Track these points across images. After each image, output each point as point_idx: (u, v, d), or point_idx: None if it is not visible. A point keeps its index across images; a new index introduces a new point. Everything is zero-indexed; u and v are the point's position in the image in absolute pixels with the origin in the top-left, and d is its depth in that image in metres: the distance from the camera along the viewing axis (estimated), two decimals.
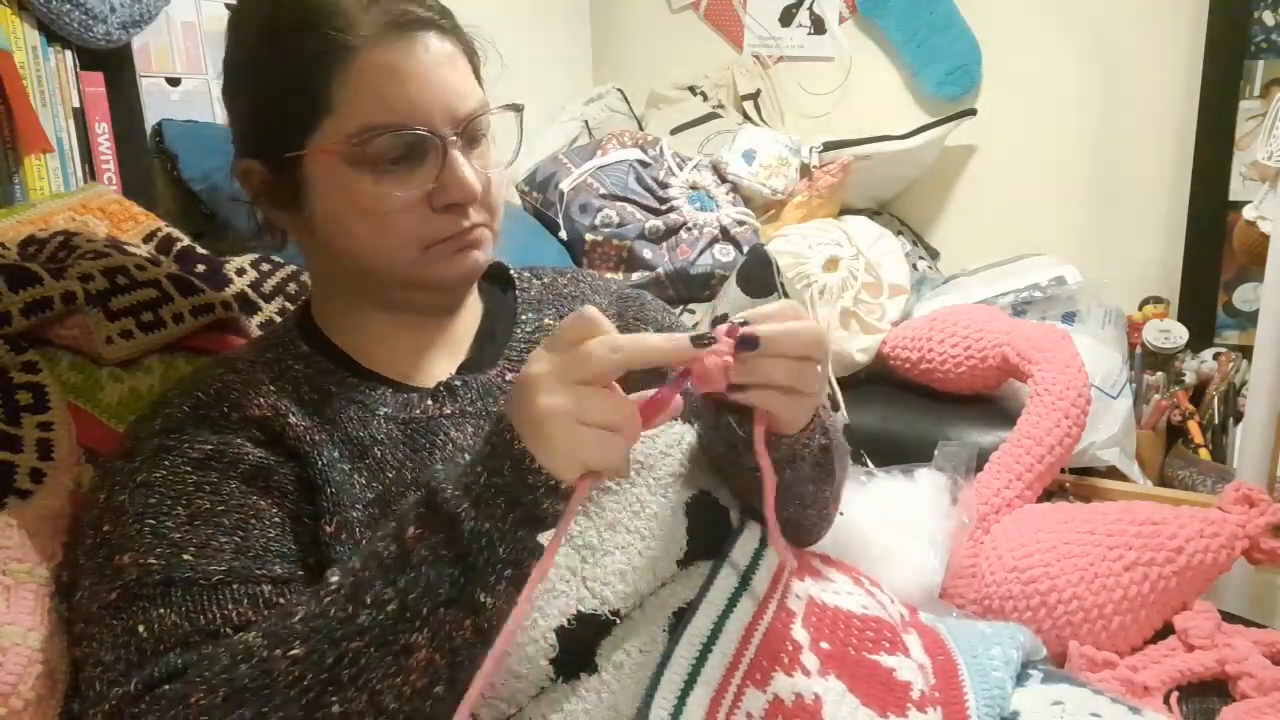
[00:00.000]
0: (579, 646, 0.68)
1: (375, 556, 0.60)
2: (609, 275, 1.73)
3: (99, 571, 0.66)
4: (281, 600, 0.65)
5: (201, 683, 0.57)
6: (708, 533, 0.76)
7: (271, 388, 0.73)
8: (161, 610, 0.62)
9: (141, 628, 0.62)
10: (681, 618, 0.70)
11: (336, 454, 0.71)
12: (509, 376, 0.80)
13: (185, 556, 0.64)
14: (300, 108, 0.71)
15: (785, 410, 0.66)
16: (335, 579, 0.60)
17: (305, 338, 0.80)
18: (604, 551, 0.71)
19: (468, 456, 0.63)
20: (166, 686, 0.59)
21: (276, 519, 0.68)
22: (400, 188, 0.72)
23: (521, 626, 0.66)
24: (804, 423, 0.70)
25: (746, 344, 0.61)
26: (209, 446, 0.68)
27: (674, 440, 0.78)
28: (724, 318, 0.65)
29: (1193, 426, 1.71)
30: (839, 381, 1.60)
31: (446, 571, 0.58)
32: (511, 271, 0.92)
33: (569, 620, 0.68)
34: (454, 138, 0.73)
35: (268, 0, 0.75)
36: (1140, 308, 1.93)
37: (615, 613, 0.70)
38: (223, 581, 0.64)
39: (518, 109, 0.81)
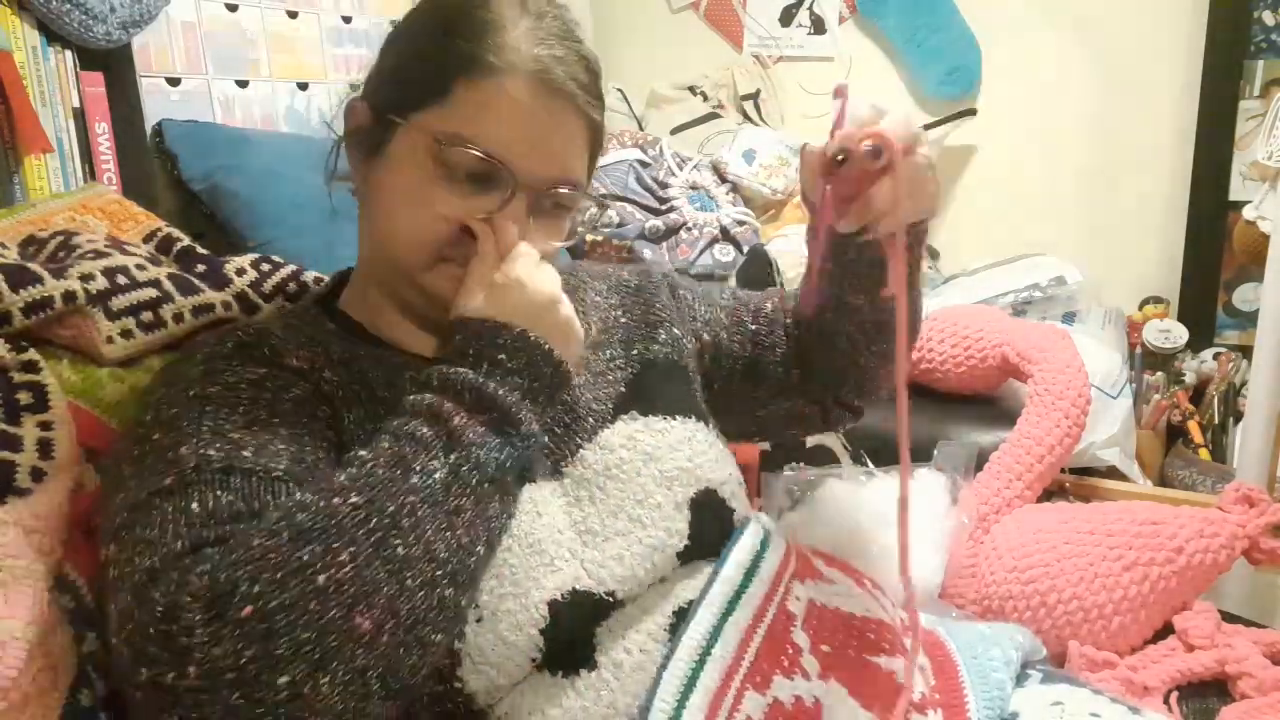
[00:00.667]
0: (573, 626, 0.68)
1: (410, 436, 0.63)
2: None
3: (151, 466, 0.63)
4: None
5: (264, 529, 0.56)
6: (710, 529, 0.76)
7: (304, 349, 0.74)
8: (219, 492, 0.61)
9: (195, 505, 0.59)
10: (682, 618, 0.70)
11: (363, 413, 0.72)
12: None
13: (245, 452, 0.63)
14: (423, 83, 0.74)
15: (923, 202, 0.77)
16: (364, 454, 0.62)
17: (329, 316, 0.82)
18: (604, 537, 0.71)
19: (501, 370, 0.68)
20: (209, 550, 0.56)
21: (324, 444, 0.69)
22: (457, 196, 0.73)
23: (513, 593, 0.67)
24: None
25: (874, 155, 0.70)
26: (261, 370, 0.70)
27: (684, 437, 0.79)
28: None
29: (1193, 426, 1.71)
30: None
31: (494, 456, 0.65)
32: None
33: (563, 594, 0.68)
34: (527, 187, 0.74)
35: None
36: (1140, 308, 1.93)
37: (611, 594, 0.70)
38: (281, 479, 0.63)
39: (603, 204, 0.85)
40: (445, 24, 0.75)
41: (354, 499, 0.59)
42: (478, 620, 0.65)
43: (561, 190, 0.76)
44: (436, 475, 0.62)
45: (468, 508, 0.63)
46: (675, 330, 0.90)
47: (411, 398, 0.66)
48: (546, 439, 0.70)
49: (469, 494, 0.63)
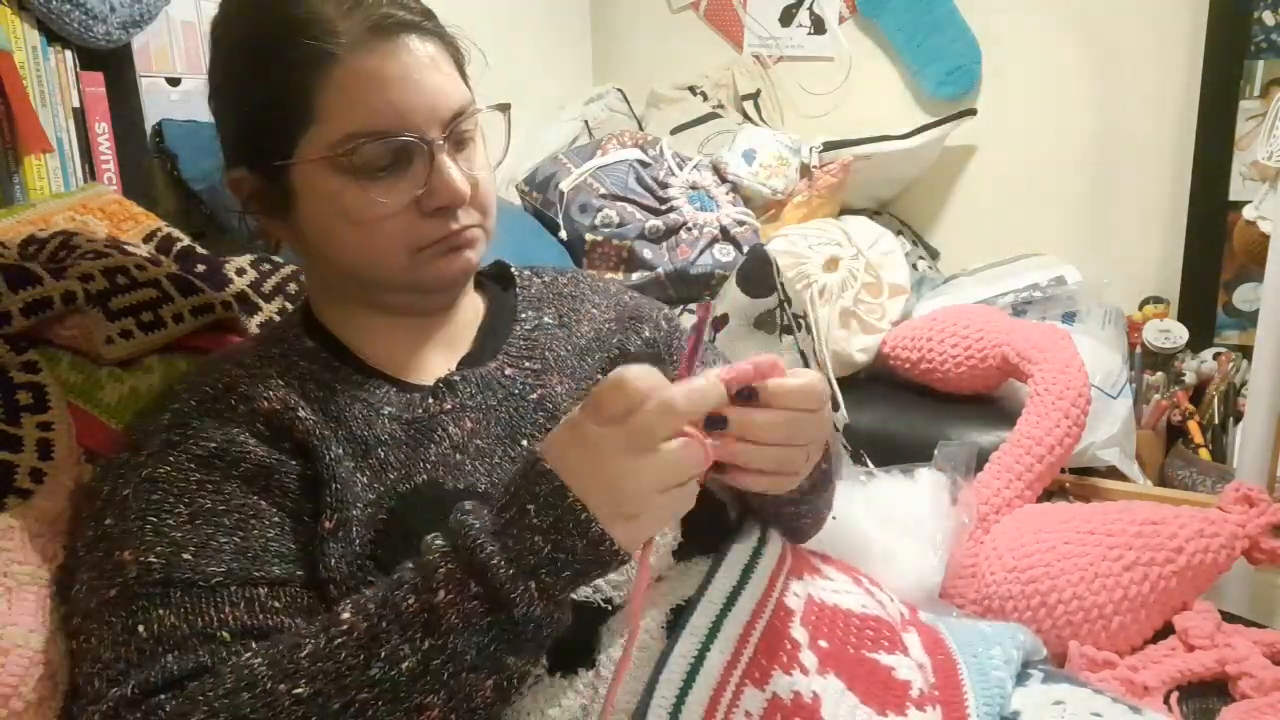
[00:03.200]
0: (573, 635, 0.68)
1: (394, 608, 0.57)
2: (609, 275, 1.74)
3: (99, 566, 0.66)
4: (277, 603, 0.65)
5: (204, 703, 0.57)
6: (703, 526, 0.76)
7: (280, 382, 0.73)
8: (161, 611, 0.62)
9: (141, 628, 0.62)
10: (680, 615, 0.70)
11: (341, 451, 0.71)
12: (507, 371, 0.81)
13: (185, 556, 0.64)
14: (286, 118, 0.71)
15: (787, 469, 0.66)
16: (347, 617, 0.58)
17: (309, 333, 0.80)
18: None
19: (518, 527, 0.57)
20: (163, 696, 0.59)
21: (276, 519, 0.68)
22: (388, 194, 0.72)
23: None
24: (796, 485, 0.69)
25: (742, 397, 0.61)
26: (213, 444, 0.69)
27: None
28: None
29: (1193, 426, 1.71)
30: (839, 381, 1.60)
31: (477, 640, 0.57)
32: (513, 270, 0.93)
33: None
34: (440, 141, 0.72)
35: (248, 10, 0.75)
36: (1140, 308, 1.93)
37: (608, 601, 0.70)
38: (221, 584, 0.64)
39: (504, 109, 0.80)
40: (265, 51, 0.72)
41: (299, 689, 0.55)
42: None
43: (462, 120, 0.74)
44: (403, 665, 0.56)
45: (435, 705, 0.56)
46: (659, 333, 0.90)
47: (427, 541, 0.60)
48: (566, 615, 0.60)
49: (439, 689, 0.56)
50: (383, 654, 0.56)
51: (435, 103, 0.72)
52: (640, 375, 0.58)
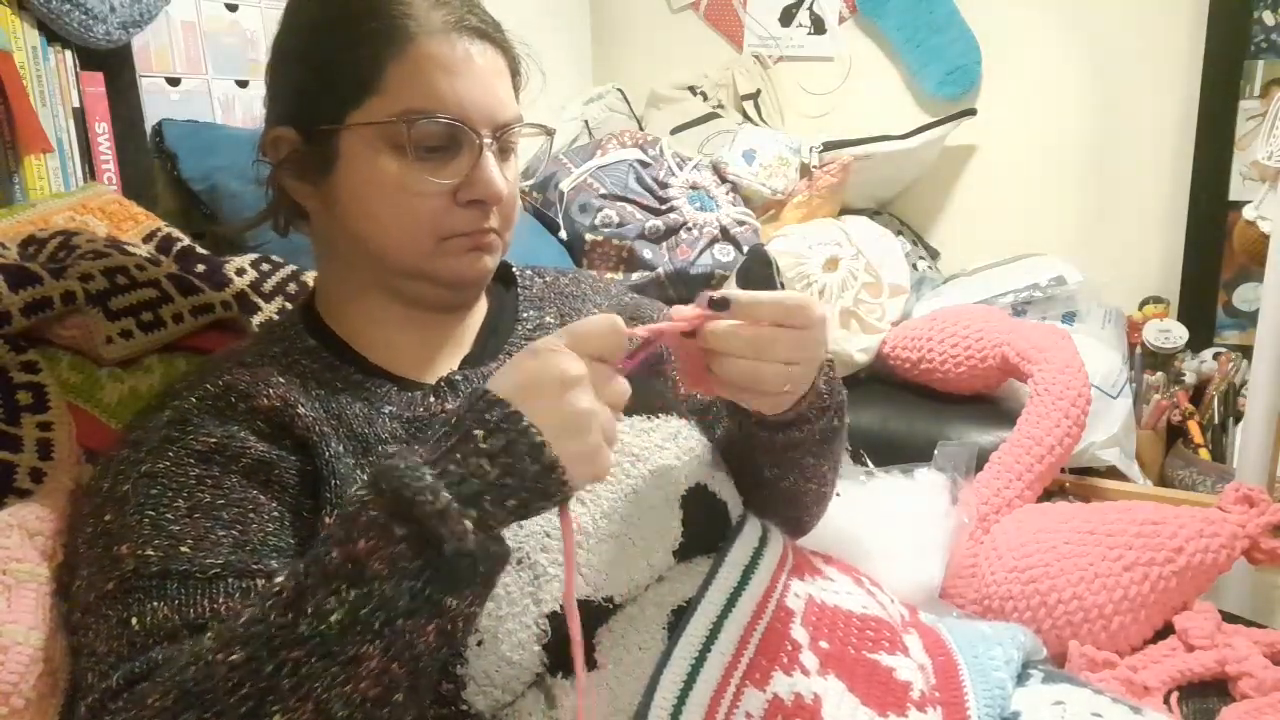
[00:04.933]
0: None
1: (318, 563, 0.56)
2: (609, 275, 1.74)
3: (98, 561, 0.66)
4: None
5: (161, 683, 0.57)
6: (704, 525, 0.76)
7: (280, 380, 0.73)
8: (155, 603, 0.63)
9: (134, 620, 0.62)
10: (681, 616, 0.70)
11: (342, 448, 0.71)
12: None
13: (183, 549, 0.64)
14: (350, 83, 0.74)
15: (758, 387, 0.68)
16: (280, 580, 0.57)
17: (310, 331, 0.80)
18: (597, 539, 0.71)
19: (461, 452, 0.56)
20: (145, 684, 0.59)
21: (275, 513, 0.68)
22: (432, 173, 0.74)
23: (512, 613, 0.66)
24: (785, 406, 0.73)
25: (717, 306, 0.65)
26: (213, 440, 0.69)
27: (670, 434, 0.79)
28: (724, 301, 0.67)
29: (1193, 426, 1.71)
30: None
31: (409, 585, 0.54)
32: (514, 269, 0.93)
33: (561, 605, 0.68)
34: (490, 140, 0.75)
35: None
36: (1140, 308, 1.93)
37: (609, 599, 0.70)
38: (218, 575, 0.64)
39: (549, 132, 0.85)
40: (347, 18, 0.74)
41: (235, 655, 0.54)
42: (479, 643, 0.65)
43: (511, 131, 0.77)
44: (331, 619, 0.54)
45: (373, 654, 0.54)
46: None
47: (351, 491, 0.60)
48: (502, 548, 0.58)
49: (373, 639, 0.54)
50: (309, 610, 0.54)
51: (494, 106, 0.75)
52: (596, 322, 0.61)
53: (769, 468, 0.82)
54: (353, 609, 0.54)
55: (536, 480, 0.56)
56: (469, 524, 0.54)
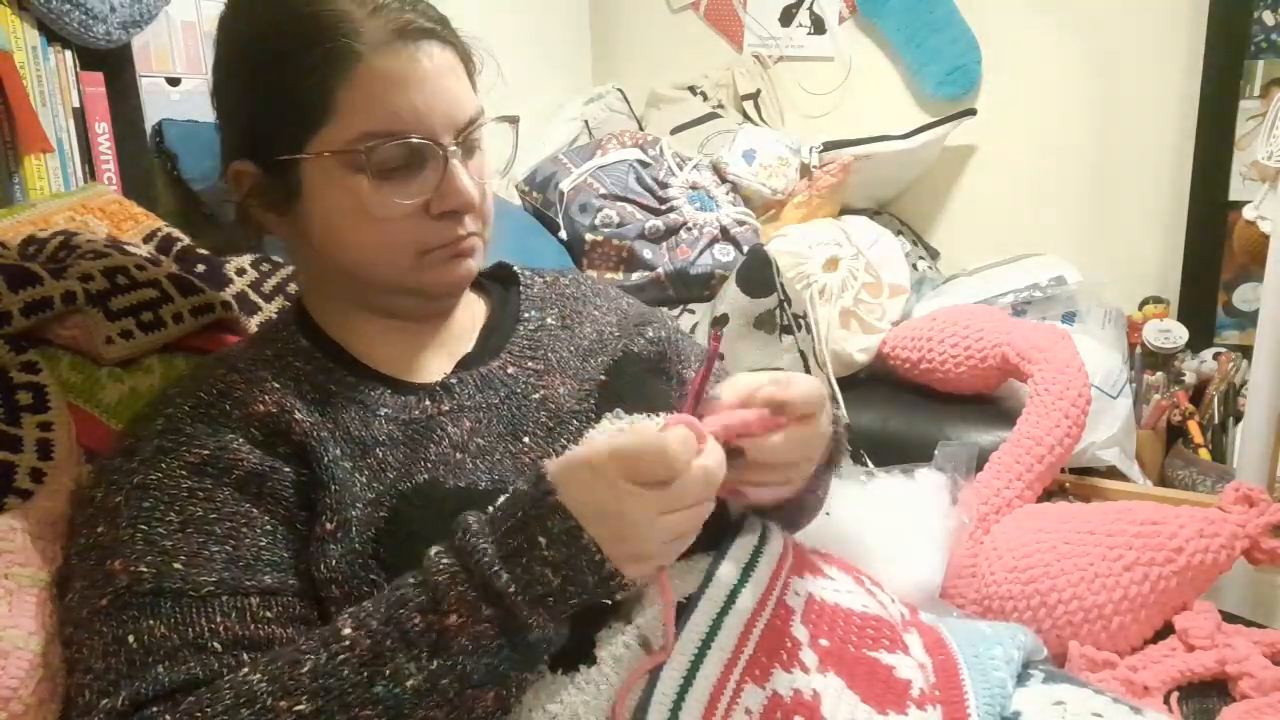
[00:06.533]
0: (574, 632, 0.68)
1: (398, 625, 0.58)
2: (609, 275, 1.74)
3: (90, 575, 0.66)
4: (268, 613, 0.65)
5: (203, 719, 0.57)
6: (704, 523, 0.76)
7: (275, 384, 0.73)
8: (151, 621, 0.62)
9: (131, 638, 0.62)
10: (681, 613, 0.70)
11: (339, 452, 0.71)
12: (510, 370, 0.81)
13: (176, 565, 0.64)
14: (301, 113, 0.71)
15: (780, 490, 0.73)
16: (348, 632, 0.59)
17: (304, 332, 0.80)
18: None
19: (527, 558, 0.59)
20: (155, 709, 0.59)
21: (268, 527, 0.68)
22: (400, 194, 0.72)
23: None
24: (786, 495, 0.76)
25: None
26: (206, 451, 0.68)
27: None
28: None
29: (1193, 426, 1.71)
30: (839, 381, 1.60)
31: (487, 661, 0.59)
32: (515, 270, 0.93)
33: None
34: (454, 147, 0.73)
35: (267, 5, 0.75)
36: (1140, 308, 1.93)
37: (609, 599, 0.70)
38: (211, 594, 0.64)
39: (513, 121, 0.82)
40: (285, 46, 0.71)
41: (300, 706, 0.56)
42: None
43: (474, 128, 0.75)
44: (409, 684, 0.57)
45: (437, 719, 0.59)
46: (662, 333, 0.90)
47: (430, 556, 0.61)
48: (567, 628, 0.63)
49: (443, 705, 0.58)
50: (387, 671, 0.57)
51: (451, 109, 0.73)
52: (681, 441, 0.61)
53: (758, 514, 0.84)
54: (432, 677, 0.57)
55: (596, 587, 0.61)
56: (545, 615, 0.60)
